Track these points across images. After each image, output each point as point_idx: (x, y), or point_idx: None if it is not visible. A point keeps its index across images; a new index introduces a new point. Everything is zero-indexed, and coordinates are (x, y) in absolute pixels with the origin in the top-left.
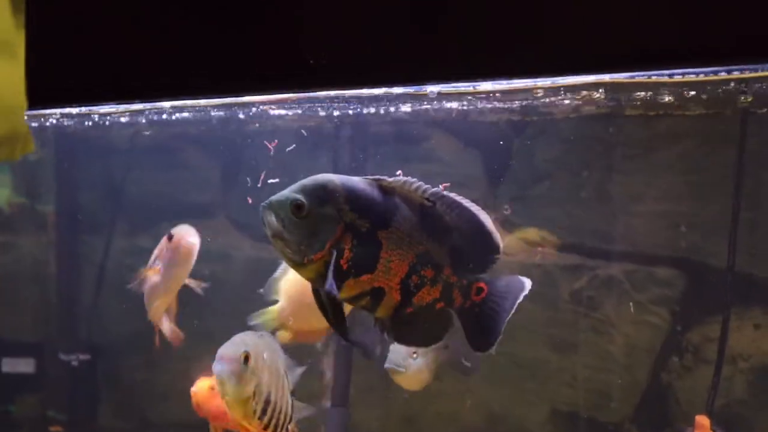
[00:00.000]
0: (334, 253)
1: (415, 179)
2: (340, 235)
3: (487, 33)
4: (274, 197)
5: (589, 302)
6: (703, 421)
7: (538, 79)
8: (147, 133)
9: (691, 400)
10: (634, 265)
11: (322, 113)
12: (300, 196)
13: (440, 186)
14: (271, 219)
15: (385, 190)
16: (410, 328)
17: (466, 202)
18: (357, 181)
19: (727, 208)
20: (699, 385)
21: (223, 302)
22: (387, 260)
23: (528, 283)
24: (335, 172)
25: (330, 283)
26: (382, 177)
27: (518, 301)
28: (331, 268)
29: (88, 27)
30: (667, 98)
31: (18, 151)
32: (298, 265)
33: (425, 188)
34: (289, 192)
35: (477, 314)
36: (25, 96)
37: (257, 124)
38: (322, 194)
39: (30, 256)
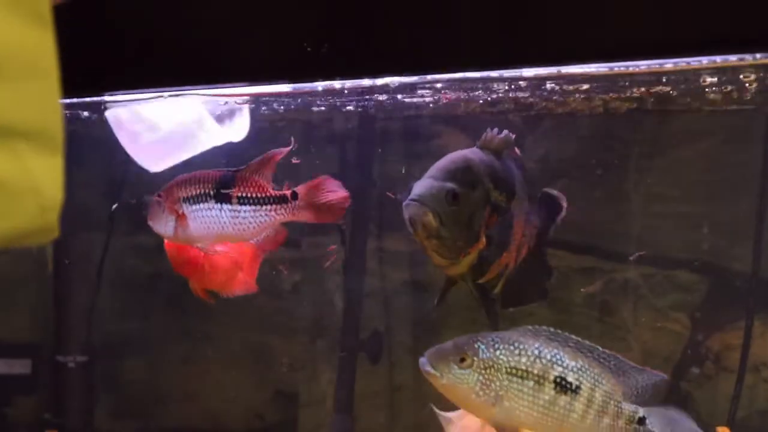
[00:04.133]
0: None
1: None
2: (488, 217)
3: (498, 19)
4: (421, 191)
5: (605, 307)
6: None
7: (552, 70)
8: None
9: (712, 411)
10: (652, 268)
11: (326, 106)
12: (453, 184)
13: None
14: (429, 218)
15: (496, 153)
16: (515, 291)
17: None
18: (482, 154)
19: (752, 209)
20: (720, 395)
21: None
22: (516, 231)
23: None
24: (342, 168)
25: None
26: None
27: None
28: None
29: (81, 17)
30: (688, 92)
31: (42, 240)
32: (452, 263)
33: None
34: (434, 181)
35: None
36: (63, 193)
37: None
38: (470, 177)
39: (27, 255)
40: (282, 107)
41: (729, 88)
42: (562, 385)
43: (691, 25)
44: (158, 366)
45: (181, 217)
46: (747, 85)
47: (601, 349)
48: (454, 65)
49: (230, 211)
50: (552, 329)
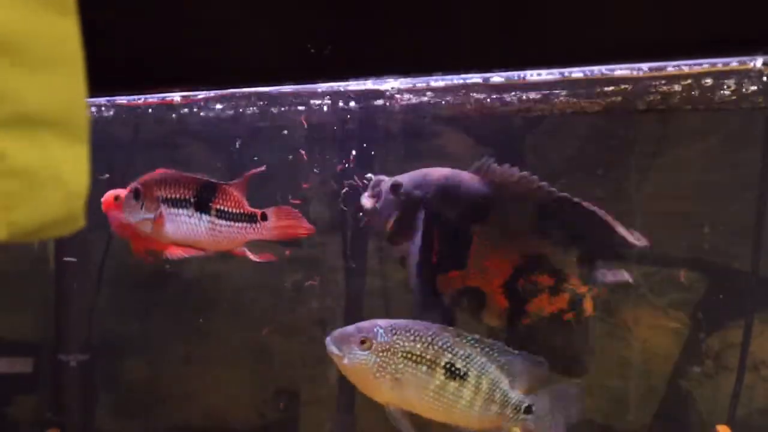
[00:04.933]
0: (419, 243)
1: (536, 177)
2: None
3: (498, 21)
4: (381, 176)
5: (605, 306)
6: (724, 430)
7: (551, 71)
8: (148, 127)
9: (712, 409)
10: (652, 267)
11: (327, 107)
12: (401, 179)
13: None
14: (368, 192)
15: (498, 185)
16: (532, 342)
17: (598, 210)
18: (463, 174)
19: (752, 208)
20: (720, 394)
21: (226, 302)
22: (480, 257)
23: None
24: (342, 168)
25: (415, 278)
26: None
27: None
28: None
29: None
30: (687, 93)
31: (67, 230)
32: (384, 238)
33: (553, 190)
34: (396, 177)
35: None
36: (88, 181)
37: (262, 119)
38: (421, 181)
39: (28, 253)
40: (282, 108)
41: (729, 87)
42: (452, 371)
43: (692, 26)
44: (159, 365)
45: (159, 218)
46: (747, 84)
47: (485, 340)
48: (455, 67)
49: (208, 222)
50: (464, 332)
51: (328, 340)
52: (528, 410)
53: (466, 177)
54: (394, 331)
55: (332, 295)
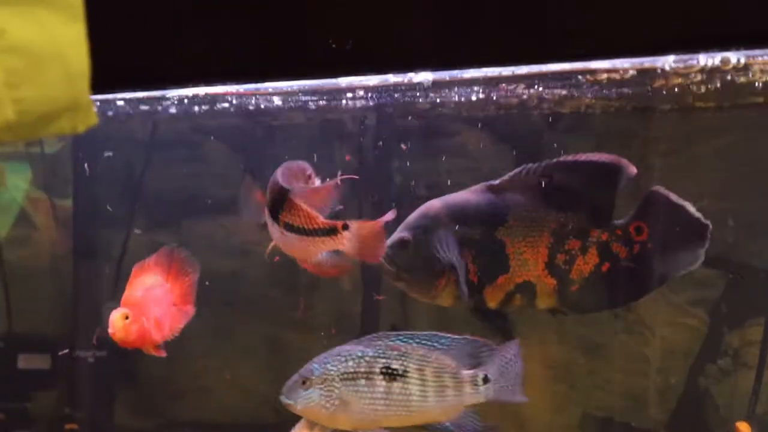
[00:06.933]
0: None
1: (524, 167)
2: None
3: (517, 18)
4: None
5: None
6: (743, 428)
7: (567, 67)
8: (166, 124)
9: (731, 406)
10: None
11: (346, 103)
12: (403, 233)
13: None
14: (389, 266)
15: (494, 189)
16: (587, 301)
17: (580, 156)
18: (459, 195)
19: None
20: (739, 391)
21: (242, 299)
22: (518, 253)
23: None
24: (359, 165)
25: (466, 298)
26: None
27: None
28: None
29: (100, 12)
30: (704, 89)
31: (80, 124)
32: (431, 299)
33: (536, 167)
34: (397, 232)
35: (653, 251)
36: (88, 62)
37: (279, 115)
38: (424, 222)
39: (47, 250)
40: (300, 104)
41: (747, 83)
42: (389, 373)
43: (709, 21)
44: (175, 360)
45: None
46: (765, 80)
47: (422, 333)
48: (475, 62)
49: (280, 232)
50: (393, 333)
51: (281, 397)
52: (486, 380)
53: (465, 195)
54: (326, 361)
55: (349, 293)
